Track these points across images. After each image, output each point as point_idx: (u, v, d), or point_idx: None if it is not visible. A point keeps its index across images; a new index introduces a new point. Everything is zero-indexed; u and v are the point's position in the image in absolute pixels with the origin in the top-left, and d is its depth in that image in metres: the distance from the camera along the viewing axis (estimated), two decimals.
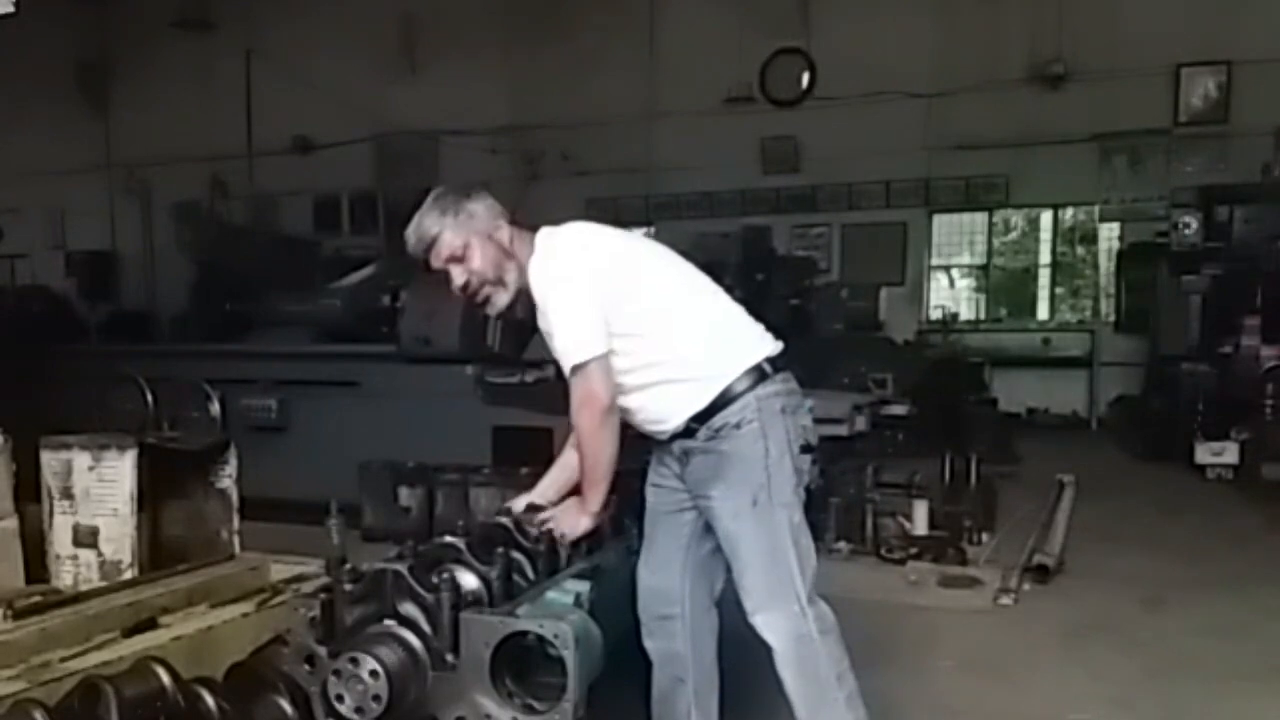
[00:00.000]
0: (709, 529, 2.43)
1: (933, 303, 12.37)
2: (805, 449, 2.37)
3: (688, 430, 2.37)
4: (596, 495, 2.34)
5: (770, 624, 2.28)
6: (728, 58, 11.71)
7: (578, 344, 2.26)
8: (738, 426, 2.31)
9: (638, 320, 2.33)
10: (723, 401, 2.32)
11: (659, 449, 2.50)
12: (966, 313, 12.47)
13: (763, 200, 12.51)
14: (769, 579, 2.29)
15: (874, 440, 6.80)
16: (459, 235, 2.35)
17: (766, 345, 2.43)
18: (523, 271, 2.36)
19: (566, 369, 2.28)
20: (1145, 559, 5.20)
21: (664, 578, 2.48)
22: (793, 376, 2.43)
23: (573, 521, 2.36)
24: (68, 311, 9.66)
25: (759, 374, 2.35)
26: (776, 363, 2.39)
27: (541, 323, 2.36)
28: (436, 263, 2.38)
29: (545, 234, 2.41)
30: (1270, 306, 8.08)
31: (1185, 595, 4.57)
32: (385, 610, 1.93)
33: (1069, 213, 12.20)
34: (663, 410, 2.39)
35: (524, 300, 2.40)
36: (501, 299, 2.38)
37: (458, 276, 2.37)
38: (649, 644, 2.50)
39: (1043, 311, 12.32)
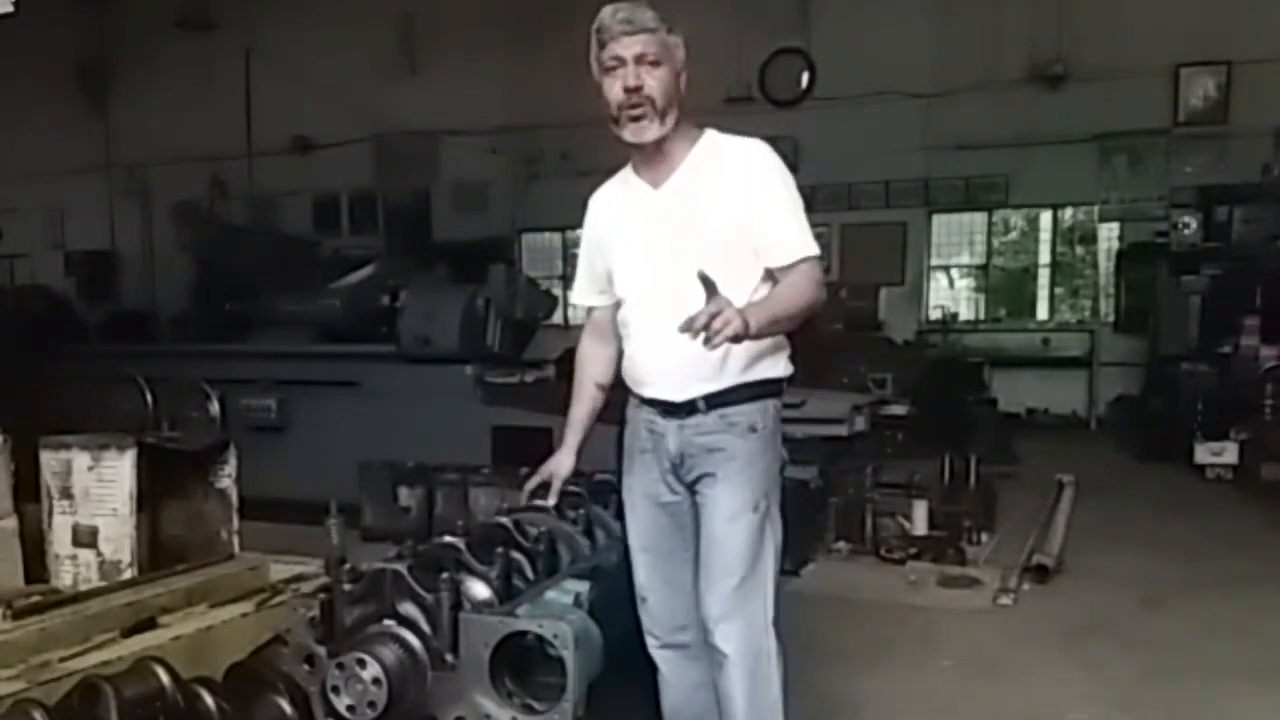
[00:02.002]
0: None
1: (932, 303, 12.33)
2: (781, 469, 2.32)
3: (698, 407, 2.22)
4: (768, 326, 2.09)
5: (734, 634, 2.19)
6: (727, 58, 11.68)
7: (810, 240, 2.25)
8: (752, 429, 2.22)
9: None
10: (763, 390, 2.25)
11: (655, 457, 2.31)
12: (966, 313, 12.42)
13: None
14: (746, 588, 2.20)
15: (874, 440, 6.80)
16: (663, 50, 2.22)
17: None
18: (678, 126, 2.27)
19: (800, 255, 2.23)
20: (1145, 559, 5.20)
21: (680, 607, 2.33)
22: None
23: (734, 320, 1.96)
24: (68, 311, 9.64)
25: (782, 385, 2.32)
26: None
27: (757, 198, 2.24)
28: (625, 49, 2.19)
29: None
30: (1270, 306, 8.07)
31: (1185, 595, 4.58)
32: (385, 610, 1.93)
33: (1068, 213, 12.15)
34: (723, 360, 2.18)
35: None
36: (651, 130, 2.23)
37: (632, 77, 2.19)
38: (664, 658, 2.36)
39: (1042, 311, 12.28)
